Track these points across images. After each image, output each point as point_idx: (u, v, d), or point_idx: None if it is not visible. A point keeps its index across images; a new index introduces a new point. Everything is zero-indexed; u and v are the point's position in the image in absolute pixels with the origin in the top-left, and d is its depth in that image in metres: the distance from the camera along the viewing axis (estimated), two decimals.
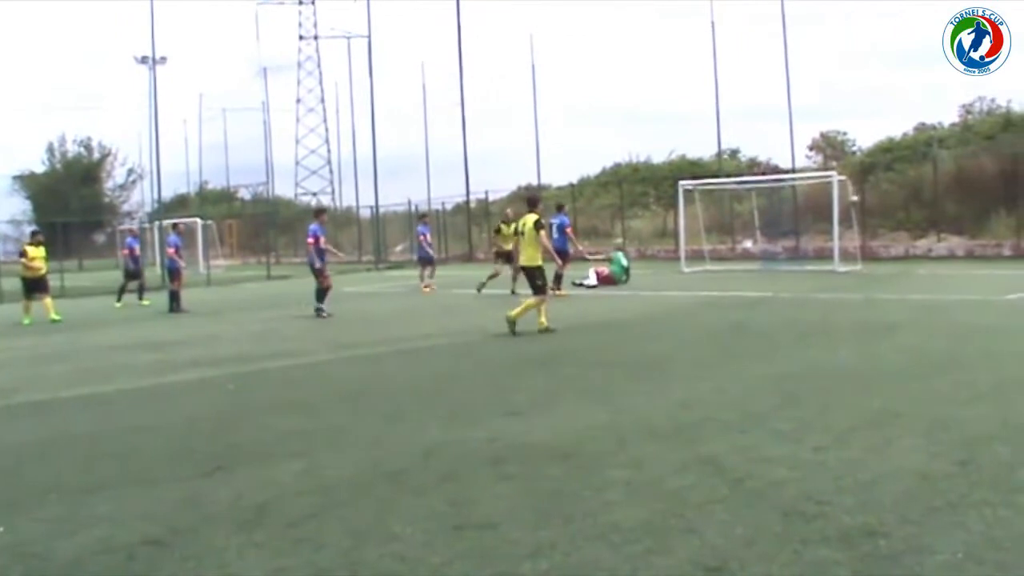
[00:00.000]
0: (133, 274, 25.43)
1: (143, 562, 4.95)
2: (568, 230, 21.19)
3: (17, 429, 8.89)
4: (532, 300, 13.97)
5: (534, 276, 14.15)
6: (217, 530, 5.36)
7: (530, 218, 14.33)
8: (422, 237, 25.48)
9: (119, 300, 24.80)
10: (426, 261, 25.43)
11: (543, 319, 13.95)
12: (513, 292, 20.81)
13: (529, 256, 14.20)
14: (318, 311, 18.52)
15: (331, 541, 5.09)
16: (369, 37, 46.53)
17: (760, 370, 10.03)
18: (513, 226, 22.75)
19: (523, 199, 44.21)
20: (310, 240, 19.15)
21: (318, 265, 18.82)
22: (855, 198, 26.51)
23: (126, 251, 26.50)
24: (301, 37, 72.49)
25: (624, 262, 24.20)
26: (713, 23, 37.17)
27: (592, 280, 23.17)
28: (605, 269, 23.84)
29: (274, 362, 12.54)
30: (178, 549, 5.09)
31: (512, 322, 13.72)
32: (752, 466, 6.11)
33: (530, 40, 48.83)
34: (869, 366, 10.12)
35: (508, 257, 22.37)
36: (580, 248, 22.54)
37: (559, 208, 22.51)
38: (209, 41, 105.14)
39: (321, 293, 18.69)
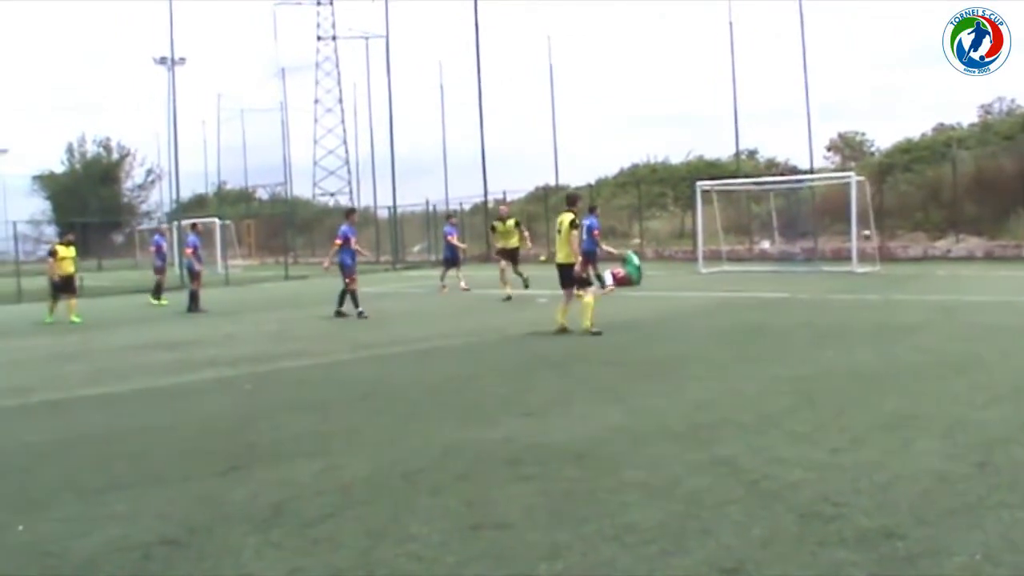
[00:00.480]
0: (161, 270, 25.76)
1: (159, 561, 4.96)
2: (595, 233, 21.11)
3: (34, 428, 8.93)
4: (588, 297, 13.94)
5: (577, 272, 14.12)
6: (233, 530, 5.37)
7: (566, 216, 14.29)
8: (449, 237, 25.33)
9: (158, 298, 25.17)
10: (451, 262, 25.26)
11: (561, 317, 13.97)
12: (526, 287, 20.81)
13: (566, 254, 14.18)
14: (340, 314, 18.35)
15: (348, 541, 5.09)
16: (387, 37, 46.77)
17: (776, 371, 9.99)
18: (509, 222, 22.76)
19: (539, 199, 44.56)
20: (337, 241, 18.83)
21: (352, 263, 18.62)
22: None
23: (154, 248, 26.87)
24: (319, 37, 72.63)
25: (636, 261, 24.14)
26: (731, 23, 37.18)
27: (608, 281, 23.11)
28: (621, 270, 23.77)
29: (291, 362, 12.57)
30: (194, 548, 5.11)
31: (588, 330, 13.64)
32: (768, 467, 6.09)
33: (548, 41, 48.80)
34: (886, 367, 10.07)
35: (509, 255, 22.27)
36: (605, 249, 22.46)
37: (591, 210, 22.44)
38: (227, 42, 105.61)
39: (344, 295, 18.54)
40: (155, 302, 24.87)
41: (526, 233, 23.48)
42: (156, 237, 27.63)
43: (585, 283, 14.18)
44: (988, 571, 4.31)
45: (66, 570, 4.94)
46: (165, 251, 26.57)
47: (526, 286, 21.04)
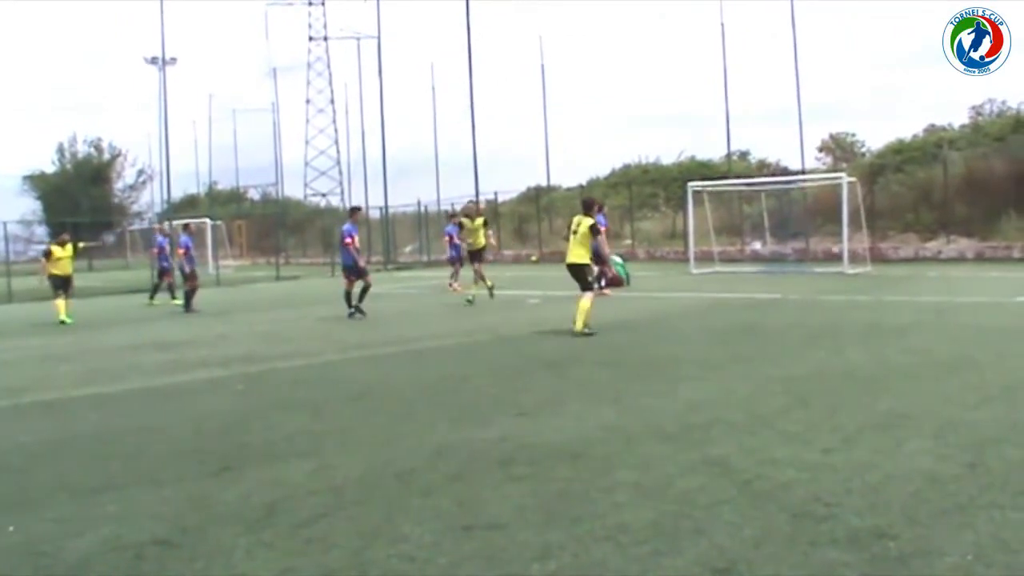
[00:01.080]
0: (165, 272, 25.73)
1: (151, 562, 4.96)
2: (603, 231, 21.10)
3: (26, 428, 8.91)
4: (585, 302, 13.93)
5: (585, 273, 14.15)
6: (225, 530, 5.37)
7: (586, 221, 14.26)
8: (448, 237, 25.22)
9: (174, 297, 25.10)
10: (452, 261, 25.14)
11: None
12: (472, 299, 20.59)
13: (579, 254, 14.21)
14: (358, 311, 18.04)
15: (340, 541, 5.09)
16: (379, 38, 46.70)
17: (769, 371, 10.01)
18: (478, 220, 22.68)
19: (531, 199, 44.47)
20: (347, 240, 18.45)
21: (352, 263, 18.36)
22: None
23: (155, 250, 26.79)
24: (311, 38, 72.28)
25: (621, 262, 24.25)
26: (723, 25, 37.22)
27: (602, 282, 23.14)
28: (611, 270, 23.80)
29: (283, 362, 12.55)
30: (186, 549, 5.10)
31: (583, 332, 13.64)
32: (761, 467, 6.10)
33: (539, 41, 48.93)
34: (878, 368, 10.09)
35: (475, 255, 22.18)
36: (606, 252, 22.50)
37: (598, 208, 22.48)
38: (219, 42, 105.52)
39: (365, 291, 18.26)
40: (168, 302, 24.82)
41: (491, 232, 23.46)
42: (159, 239, 27.46)
43: (589, 286, 14.20)
44: (979, 571, 4.32)
45: (59, 570, 4.93)
46: (168, 252, 26.54)
47: (491, 293, 21.01)
